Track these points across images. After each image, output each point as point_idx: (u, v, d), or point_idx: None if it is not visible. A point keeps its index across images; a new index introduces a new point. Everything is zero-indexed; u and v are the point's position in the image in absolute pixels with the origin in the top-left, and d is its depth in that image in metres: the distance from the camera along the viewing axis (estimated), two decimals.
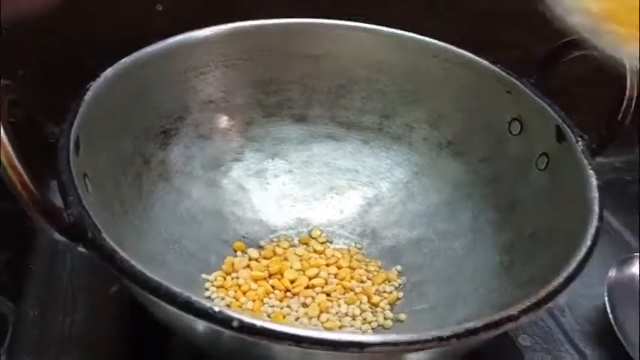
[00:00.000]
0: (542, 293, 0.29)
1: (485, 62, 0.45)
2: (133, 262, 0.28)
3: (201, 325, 0.29)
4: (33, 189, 0.28)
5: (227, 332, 0.27)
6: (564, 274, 0.30)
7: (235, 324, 0.26)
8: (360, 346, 0.26)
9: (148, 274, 0.27)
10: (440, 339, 0.26)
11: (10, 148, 0.27)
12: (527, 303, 0.28)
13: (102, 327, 0.42)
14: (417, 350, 0.27)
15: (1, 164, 0.27)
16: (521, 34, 0.56)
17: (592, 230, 0.32)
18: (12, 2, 0.21)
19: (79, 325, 0.42)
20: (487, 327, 0.27)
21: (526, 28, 0.56)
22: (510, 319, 0.28)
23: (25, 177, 0.28)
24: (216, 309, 0.27)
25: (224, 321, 0.26)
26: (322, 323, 0.40)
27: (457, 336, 0.27)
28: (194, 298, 0.27)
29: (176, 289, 0.27)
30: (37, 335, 0.42)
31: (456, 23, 0.54)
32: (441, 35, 0.47)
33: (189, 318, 0.27)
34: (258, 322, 0.27)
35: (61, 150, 0.32)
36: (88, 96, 0.37)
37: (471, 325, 0.27)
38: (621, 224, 0.56)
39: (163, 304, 0.27)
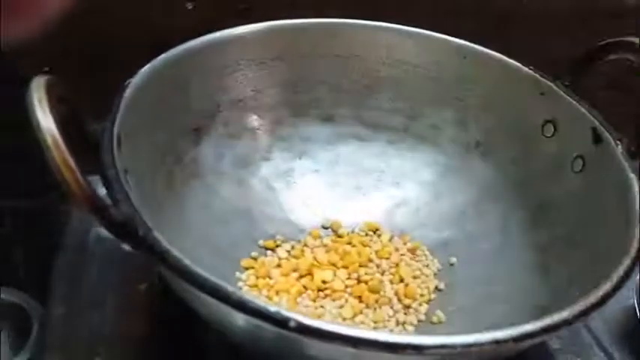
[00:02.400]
0: (595, 297, 0.29)
1: (517, 64, 0.45)
2: (187, 262, 0.28)
3: (249, 324, 0.29)
4: (85, 186, 0.27)
5: (273, 330, 0.27)
6: (615, 278, 0.30)
7: (292, 324, 0.26)
8: (419, 348, 0.26)
9: (203, 273, 0.27)
10: (497, 342, 0.26)
11: (63, 146, 0.27)
12: (580, 307, 0.28)
13: (131, 325, 0.42)
14: (474, 352, 0.27)
15: (53, 161, 0.27)
16: (547, 36, 0.56)
17: (637, 237, 0.32)
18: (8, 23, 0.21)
19: (108, 323, 0.42)
20: (544, 330, 0.27)
21: (553, 29, 0.56)
22: (566, 322, 0.28)
23: (78, 174, 0.27)
24: (272, 309, 0.26)
25: (281, 321, 0.26)
26: (357, 325, 0.40)
27: (514, 339, 0.27)
28: (253, 299, 0.27)
29: (233, 289, 0.27)
30: (64, 333, 0.41)
31: (481, 25, 0.54)
32: (467, 37, 0.47)
33: (242, 317, 0.27)
34: (315, 323, 0.26)
35: (105, 146, 0.32)
36: (127, 92, 0.36)
37: (528, 327, 0.27)
38: None
39: (218, 303, 0.27)
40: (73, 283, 0.44)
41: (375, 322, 0.40)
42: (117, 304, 0.43)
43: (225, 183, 0.45)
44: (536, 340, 0.27)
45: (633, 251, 0.31)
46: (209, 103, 0.45)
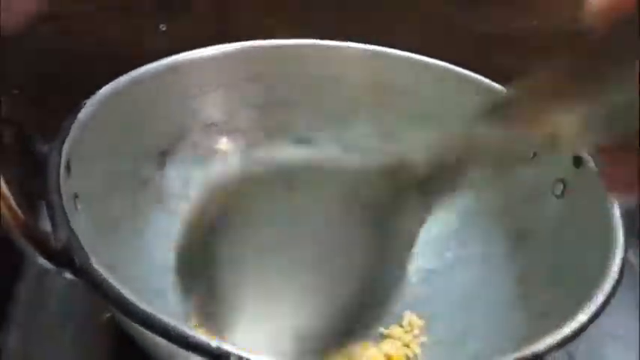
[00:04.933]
0: (569, 329, 0.27)
1: (496, 86, 0.43)
2: (124, 291, 0.26)
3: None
4: (19, 213, 0.26)
5: None
6: (592, 308, 0.28)
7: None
8: None
9: (139, 304, 0.25)
10: None
11: None
12: (554, 340, 0.26)
13: (91, 357, 0.40)
14: None
15: None
16: (524, 59, 0.55)
17: (617, 262, 0.30)
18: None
19: (67, 354, 0.40)
20: None
21: (528, 53, 0.55)
22: (536, 357, 0.25)
23: (11, 200, 0.26)
24: (214, 344, 0.24)
25: (220, 357, 0.24)
26: None
27: None
28: (189, 331, 0.25)
29: (169, 320, 0.25)
30: None
31: (458, 48, 0.52)
32: (455, 59, 0.46)
33: (183, 353, 0.25)
34: (256, 358, 0.24)
35: (50, 170, 0.30)
36: (82, 114, 0.35)
37: None
38: (633, 252, 0.54)
39: (156, 337, 0.25)
40: (31, 313, 0.42)
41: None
42: (76, 333, 0.41)
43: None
44: None
45: (610, 283, 0.29)
46: (177, 126, 0.43)
